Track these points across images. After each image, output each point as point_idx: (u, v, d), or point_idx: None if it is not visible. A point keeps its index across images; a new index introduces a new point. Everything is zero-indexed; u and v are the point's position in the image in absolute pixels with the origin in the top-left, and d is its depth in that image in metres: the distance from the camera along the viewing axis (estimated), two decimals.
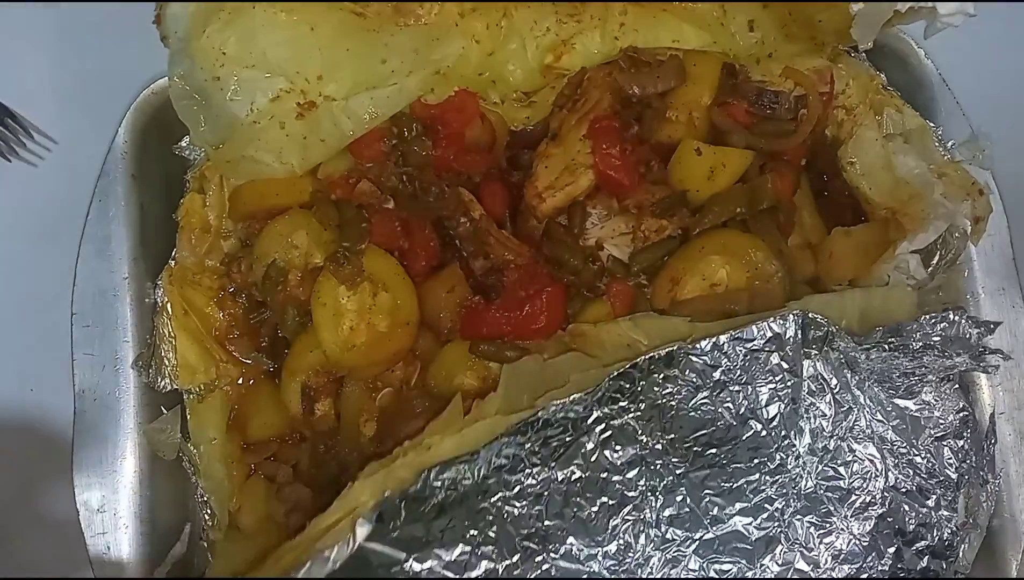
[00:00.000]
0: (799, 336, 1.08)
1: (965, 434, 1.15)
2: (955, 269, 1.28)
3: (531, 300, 1.18)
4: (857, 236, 1.27)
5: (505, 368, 1.11)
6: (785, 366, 1.08)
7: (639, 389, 1.06)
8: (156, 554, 1.22)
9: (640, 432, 1.05)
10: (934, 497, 1.12)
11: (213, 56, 1.20)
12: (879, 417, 1.11)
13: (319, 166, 1.27)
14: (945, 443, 1.14)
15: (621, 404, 1.05)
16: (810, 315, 1.09)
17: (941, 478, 1.13)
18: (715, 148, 1.20)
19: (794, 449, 1.07)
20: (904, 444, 1.12)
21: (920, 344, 1.15)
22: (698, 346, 1.07)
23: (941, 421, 1.14)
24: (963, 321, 1.16)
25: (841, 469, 1.09)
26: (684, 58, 1.24)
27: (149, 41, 1.23)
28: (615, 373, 1.05)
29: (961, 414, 1.15)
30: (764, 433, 1.07)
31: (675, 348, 1.07)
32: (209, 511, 1.26)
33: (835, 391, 1.09)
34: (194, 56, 1.21)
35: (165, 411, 1.26)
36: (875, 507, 1.09)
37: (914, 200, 1.26)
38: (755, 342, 1.08)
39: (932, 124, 1.32)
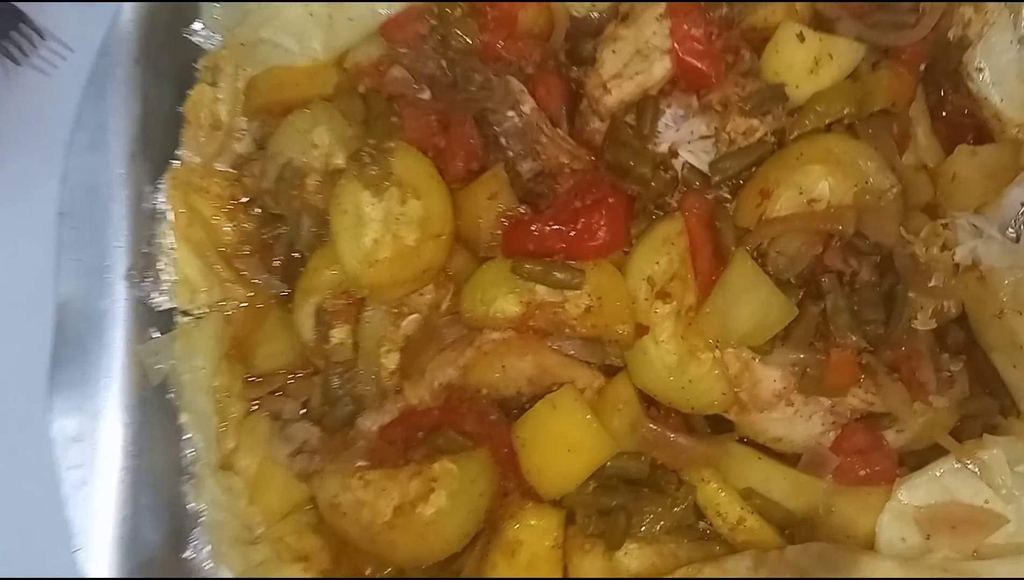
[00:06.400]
0: None
1: None
2: None
3: (588, 212, 1.06)
4: (985, 156, 1.15)
5: None
6: None
7: None
8: (140, 493, 1.09)
9: None
10: None
11: None
12: None
13: (346, 54, 1.17)
14: None
15: None
16: None
17: None
18: (821, 35, 1.07)
19: None
20: None
21: None
22: None
23: None
24: None
25: None
26: None
27: None
28: None
29: None
30: None
31: None
32: (192, 449, 1.14)
33: None
34: None
35: (158, 334, 1.14)
36: None
37: None
38: None
39: None
